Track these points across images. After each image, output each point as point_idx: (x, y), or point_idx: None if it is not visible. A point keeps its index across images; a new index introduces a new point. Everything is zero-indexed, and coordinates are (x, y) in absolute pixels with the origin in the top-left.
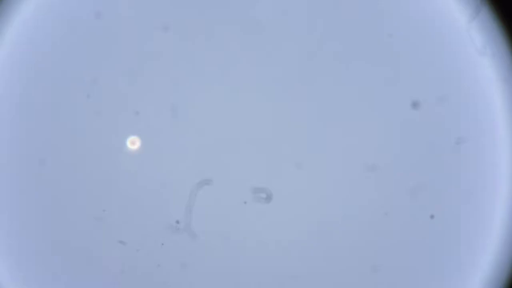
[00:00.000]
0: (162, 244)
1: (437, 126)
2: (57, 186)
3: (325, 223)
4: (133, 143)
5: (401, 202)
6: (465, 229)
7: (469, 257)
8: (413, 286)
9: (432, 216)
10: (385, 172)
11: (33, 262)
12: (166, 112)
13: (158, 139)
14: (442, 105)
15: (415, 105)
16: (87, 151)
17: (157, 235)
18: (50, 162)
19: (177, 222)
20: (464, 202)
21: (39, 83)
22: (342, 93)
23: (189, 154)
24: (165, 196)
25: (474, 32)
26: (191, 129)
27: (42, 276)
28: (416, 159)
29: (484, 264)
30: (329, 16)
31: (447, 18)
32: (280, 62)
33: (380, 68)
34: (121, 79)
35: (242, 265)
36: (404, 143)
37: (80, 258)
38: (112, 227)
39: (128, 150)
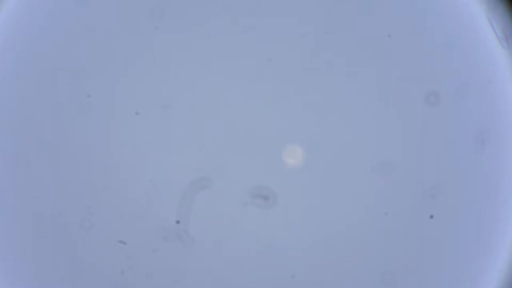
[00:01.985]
0: (154, 251)
1: (455, 121)
2: (53, 186)
3: (331, 226)
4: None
5: (416, 201)
6: (477, 229)
7: (486, 257)
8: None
9: (431, 216)
10: (396, 171)
11: (28, 263)
12: (164, 111)
13: (157, 139)
14: (461, 99)
15: (431, 98)
16: (87, 151)
17: (154, 237)
18: (47, 162)
19: (177, 222)
20: (478, 202)
21: (33, 84)
22: (350, 88)
23: (187, 154)
24: (163, 197)
25: (495, 22)
26: (190, 128)
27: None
28: (429, 157)
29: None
30: (344, 6)
31: (467, 7)
32: (286, 56)
33: (396, 60)
34: (118, 78)
35: (242, 270)
36: (414, 139)
37: (76, 260)
38: (112, 228)
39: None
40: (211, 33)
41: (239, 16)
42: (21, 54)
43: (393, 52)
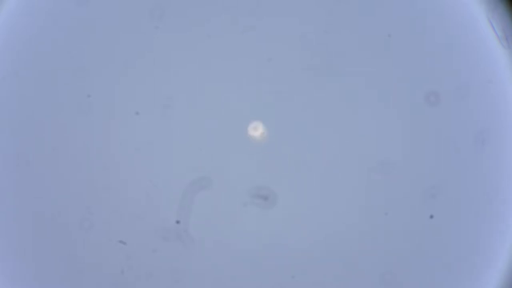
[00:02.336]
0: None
1: (454, 121)
2: (53, 186)
3: (331, 226)
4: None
5: (416, 201)
6: (477, 230)
7: (487, 258)
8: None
9: (431, 216)
10: (396, 171)
11: (28, 263)
12: (164, 111)
13: (157, 139)
14: (461, 99)
15: (431, 98)
16: (87, 151)
17: (154, 237)
18: (47, 162)
19: (177, 222)
20: (478, 203)
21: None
22: (350, 88)
23: (187, 154)
24: (163, 197)
25: (495, 21)
26: (190, 128)
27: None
28: (429, 157)
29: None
30: (344, 6)
31: (467, 7)
32: (286, 56)
33: (396, 60)
34: (118, 78)
35: (241, 270)
36: (414, 139)
37: (75, 260)
38: (112, 228)
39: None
40: (211, 33)
41: (239, 16)
42: (21, 54)
43: (393, 52)
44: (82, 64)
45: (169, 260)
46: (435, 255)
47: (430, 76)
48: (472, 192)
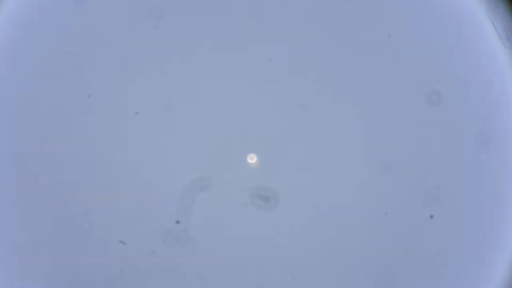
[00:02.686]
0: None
1: (455, 121)
2: (53, 186)
3: (331, 226)
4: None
5: (416, 201)
6: (479, 231)
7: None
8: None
9: (431, 216)
10: (396, 171)
11: (29, 263)
12: (164, 111)
13: (157, 139)
14: (462, 99)
15: (432, 98)
16: (87, 151)
17: (154, 238)
18: (47, 162)
19: (177, 222)
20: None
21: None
22: (351, 88)
23: (187, 154)
24: (163, 197)
25: (496, 21)
26: (190, 128)
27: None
28: (430, 157)
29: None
30: (344, 6)
31: (468, 7)
32: (286, 56)
33: (396, 60)
34: (118, 78)
35: (241, 270)
36: (414, 139)
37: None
38: (112, 228)
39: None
40: (211, 33)
41: (239, 17)
42: (21, 54)
43: (393, 52)
44: (82, 64)
45: (169, 261)
46: (435, 255)
47: (430, 76)
48: (473, 192)
